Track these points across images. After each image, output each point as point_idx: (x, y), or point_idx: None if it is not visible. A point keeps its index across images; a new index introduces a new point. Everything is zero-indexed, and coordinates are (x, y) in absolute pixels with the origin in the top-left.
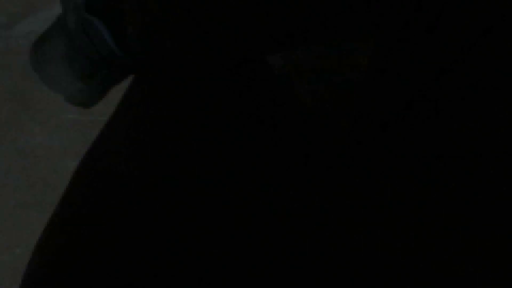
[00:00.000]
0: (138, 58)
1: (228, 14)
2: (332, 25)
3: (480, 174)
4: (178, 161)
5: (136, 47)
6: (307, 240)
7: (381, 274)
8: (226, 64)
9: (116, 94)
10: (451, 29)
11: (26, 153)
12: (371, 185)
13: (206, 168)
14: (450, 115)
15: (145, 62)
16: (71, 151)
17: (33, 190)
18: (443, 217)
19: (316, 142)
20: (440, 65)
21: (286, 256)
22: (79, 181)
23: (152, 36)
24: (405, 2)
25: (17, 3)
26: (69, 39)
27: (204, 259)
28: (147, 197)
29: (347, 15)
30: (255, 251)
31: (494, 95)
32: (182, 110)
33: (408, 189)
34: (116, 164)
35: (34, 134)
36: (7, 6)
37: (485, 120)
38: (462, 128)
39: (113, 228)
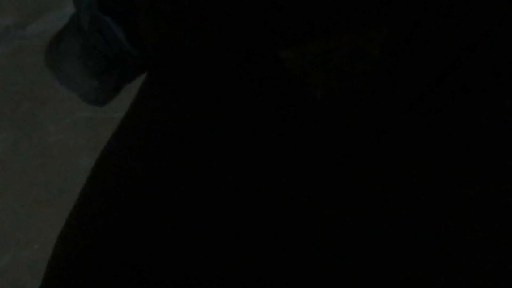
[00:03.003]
0: (151, 56)
1: (240, 8)
2: (343, 15)
3: (488, 172)
4: (192, 159)
5: (148, 43)
6: (315, 236)
7: (386, 273)
8: (238, 58)
9: (129, 91)
10: (466, 17)
11: (42, 151)
12: (382, 179)
13: (220, 166)
14: (466, 108)
15: (158, 60)
16: (85, 148)
17: (50, 186)
18: (449, 216)
19: (327, 135)
20: (454, 55)
21: (296, 252)
22: (95, 180)
23: (165, 33)
24: None
25: (30, 3)
26: (83, 38)
27: (217, 257)
28: (162, 196)
29: (359, 4)
30: (265, 248)
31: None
32: (195, 108)
33: (420, 183)
34: (131, 164)
35: (49, 132)
36: (20, 6)
37: (499, 117)
38: (477, 121)
39: (128, 226)
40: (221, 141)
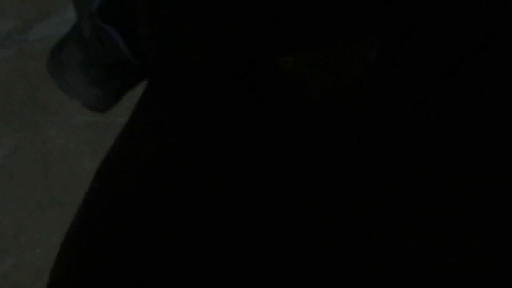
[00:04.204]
0: (151, 63)
1: (238, 19)
2: (341, 24)
3: (488, 173)
4: (194, 162)
5: (149, 52)
6: (315, 236)
7: (383, 273)
8: (237, 66)
9: (130, 96)
10: (460, 24)
11: (44, 155)
12: (381, 179)
13: (222, 167)
14: (461, 112)
15: (159, 67)
16: (87, 151)
17: (52, 190)
18: (449, 216)
19: (327, 137)
20: (452, 58)
21: (296, 251)
22: (98, 185)
23: (164, 41)
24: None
25: (32, 8)
26: (85, 46)
27: (218, 257)
28: (165, 199)
29: (356, 13)
30: (265, 248)
31: (506, 94)
32: (197, 112)
33: (420, 184)
34: (135, 168)
35: (51, 136)
36: (22, 11)
37: (497, 119)
38: (477, 122)
39: (131, 230)
40: (223, 143)
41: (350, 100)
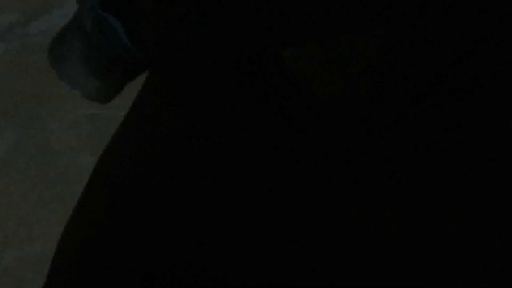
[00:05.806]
0: (153, 55)
1: (241, 8)
2: (344, 16)
3: (488, 173)
4: (193, 158)
5: (150, 43)
6: (317, 235)
7: (387, 270)
8: (239, 58)
9: (131, 89)
10: (464, 17)
11: (45, 149)
12: (382, 177)
13: (221, 164)
14: (465, 107)
15: (160, 59)
16: (88, 146)
17: (53, 184)
18: (449, 216)
19: (328, 134)
20: (453, 55)
21: (298, 250)
22: (97, 179)
23: (166, 33)
24: None
25: (33, 1)
26: (86, 38)
27: (219, 256)
28: (164, 195)
29: (359, 5)
30: (267, 247)
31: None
32: (197, 107)
33: (420, 182)
34: (133, 162)
35: (52, 130)
36: (23, 4)
37: (497, 118)
38: (477, 121)
39: (130, 226)
40: (222, 139)
41: (352, 95)
